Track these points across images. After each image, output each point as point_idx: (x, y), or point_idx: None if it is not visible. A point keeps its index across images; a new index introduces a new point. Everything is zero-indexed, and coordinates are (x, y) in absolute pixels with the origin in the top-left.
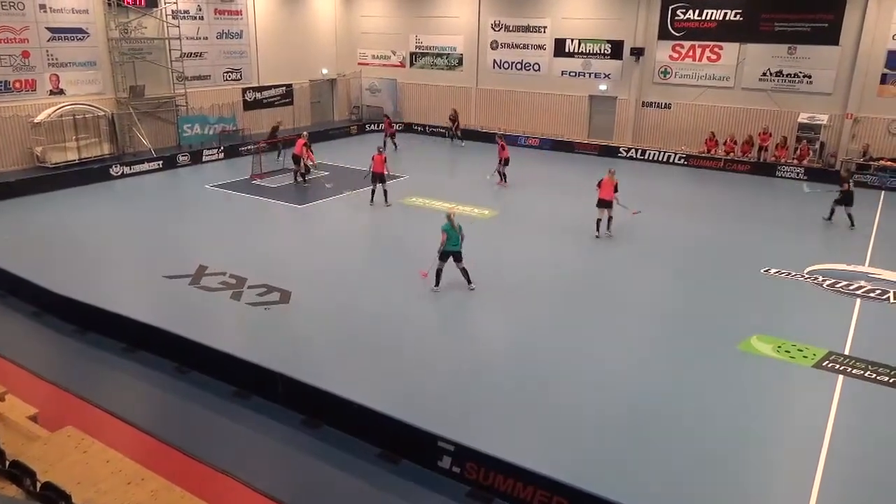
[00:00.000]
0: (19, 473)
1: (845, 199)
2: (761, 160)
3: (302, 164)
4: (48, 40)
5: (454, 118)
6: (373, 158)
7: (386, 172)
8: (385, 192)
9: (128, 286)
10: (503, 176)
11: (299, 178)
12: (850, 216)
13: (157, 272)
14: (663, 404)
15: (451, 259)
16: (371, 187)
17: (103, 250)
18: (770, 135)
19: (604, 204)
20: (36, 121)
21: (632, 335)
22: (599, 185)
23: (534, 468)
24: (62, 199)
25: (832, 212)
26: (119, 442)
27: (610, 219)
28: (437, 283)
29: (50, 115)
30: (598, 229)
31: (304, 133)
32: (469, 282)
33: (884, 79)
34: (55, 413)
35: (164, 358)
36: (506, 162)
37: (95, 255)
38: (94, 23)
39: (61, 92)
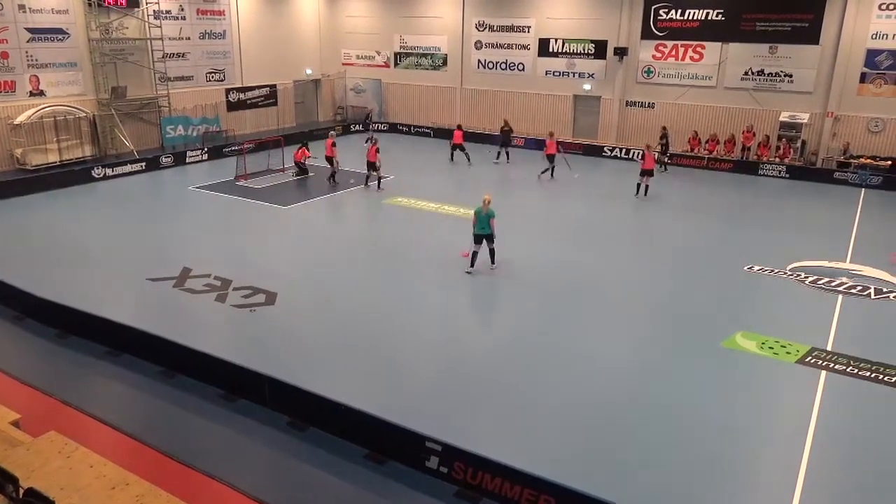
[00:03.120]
0: (1, 480)
1: (647, 172)
2: (744, 159)
3: (335, 163)
4: (28, 41)
5: (508, 129)
6: (368, 150)
7: (378, 162)
8: (379, 179)
9: (111, 289)
10: (639, 188)
11: (331, 179)
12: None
13: (140, 275)
14: (649, 402)
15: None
16: (366, 173)
17: (85, 253)
18: (753, 134)
19: (646, 173)
20: (16, 122)
21: (617, 333)
22: (642, 157)
23: (521, 467)
24: (43, 201)
25: (638, 186)
26: (103, 446)
27: (647, 186)
28: (472, 265)
29: (30, 117)
30: (637, 193)
31: (333, 132)
32: (493, 262)
33: (863, 77)
34: (38, 418)
35: (149, 361)
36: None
37: (77, 258)
38: (75, 23)
39: (41, 93)
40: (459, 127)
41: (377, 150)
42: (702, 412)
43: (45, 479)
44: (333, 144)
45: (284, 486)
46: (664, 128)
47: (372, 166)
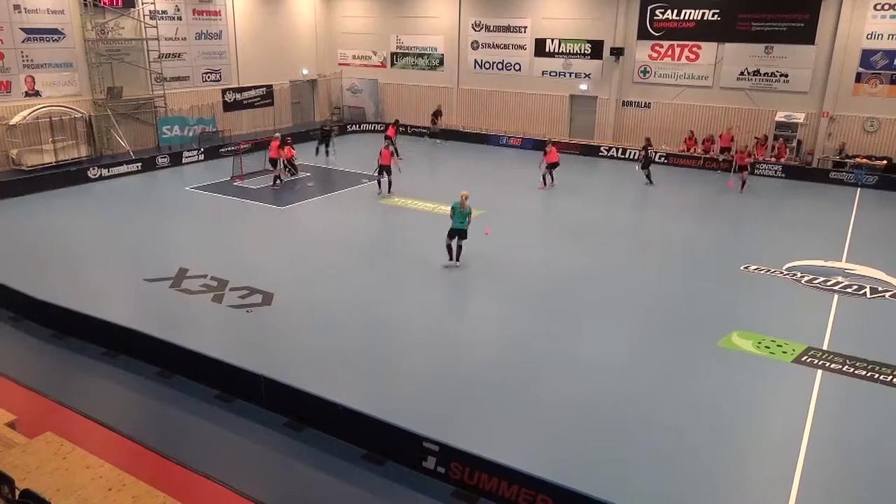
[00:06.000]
0: None
1: (645, 163)
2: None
3: (281, 165)
4: (23, 41)
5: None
6: (380, 152)
7: (393, 165)
8: (389, 182)
9: (107, 290)
10: (545, 179)
11: (277, 181)
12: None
13: (137, 275)
14: (646, 402)
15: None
16: (377, 177)
17: (82, 254)
18: (748, 154)
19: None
20: (11, 123)
21: (613, 333)
22: (545, 152)
23: (518, 467)
24: (39, 202)
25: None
26: (99, 447)
27: (552, 176)
28: (450, 258)
29: (26, 118)
30: (544, 184)
31: (278, 134)
32: (457, 259)
33: (858, 77)
34: (34, 419)
35: (145, 362)
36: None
37: (74, 259)
38: (70, 23)
39: (37, 94)
40: (396, 122)
41: (392, 154)
42: (698, 411)
43: (42, 481)
44: (280, 146)
45: (281, 487)
46: (647, 139)
47: (386, 170)
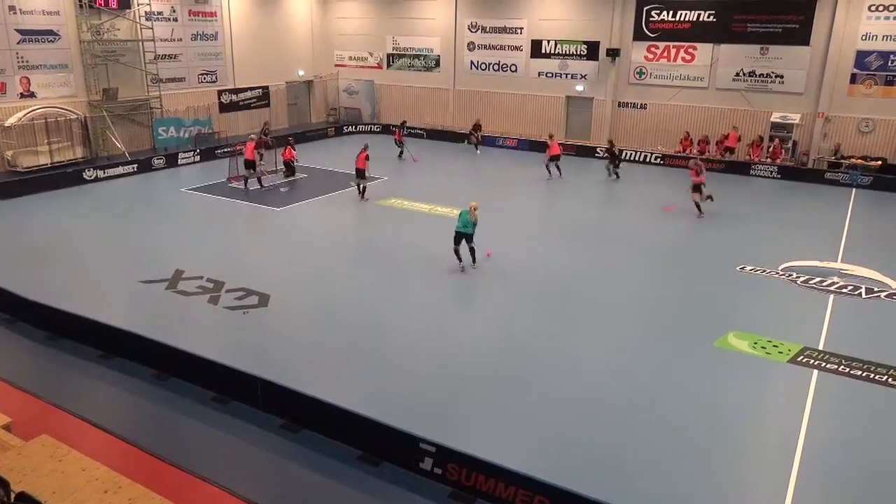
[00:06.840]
0: None
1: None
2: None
3: (257, 168)
4: (18, 42)
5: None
6: (356, 156)
7: (367, 169)
8: (364, 187)
9: (103, 292)
10: (549, 170)
11: (246, 183)
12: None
13: (132, 277)
14: (642, 402)
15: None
16: (357, 181)
17: (77, 256)
18: (698, 172)
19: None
20: (6, 124)
21: (610, 334)
22: (547, 146)
23: (515, 468)
24: (34, 203)
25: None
26: (96, 450)
27: (558, 168)
28: (459, 262)
29: (21, 119)
30: (549, 177)
31: (252, 136)
32: (473, 261)
33: (853, 78)
34: (30, 422)
35: (141, 364)
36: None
37: (69, 261)
38: (66, 25)
39: (32, 95)
40: (403, 124)
41: (367, 158)
42: (694, 411)
43: (38, 484)
44: (255, 148)
45: (277, 488)
46: (611, 141)
47: (361, 174)
